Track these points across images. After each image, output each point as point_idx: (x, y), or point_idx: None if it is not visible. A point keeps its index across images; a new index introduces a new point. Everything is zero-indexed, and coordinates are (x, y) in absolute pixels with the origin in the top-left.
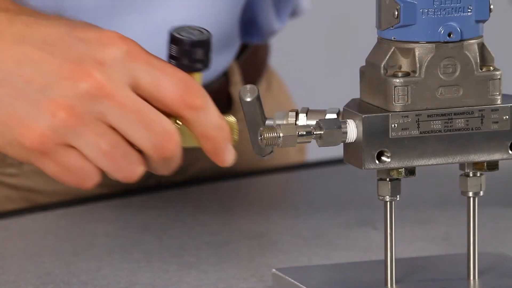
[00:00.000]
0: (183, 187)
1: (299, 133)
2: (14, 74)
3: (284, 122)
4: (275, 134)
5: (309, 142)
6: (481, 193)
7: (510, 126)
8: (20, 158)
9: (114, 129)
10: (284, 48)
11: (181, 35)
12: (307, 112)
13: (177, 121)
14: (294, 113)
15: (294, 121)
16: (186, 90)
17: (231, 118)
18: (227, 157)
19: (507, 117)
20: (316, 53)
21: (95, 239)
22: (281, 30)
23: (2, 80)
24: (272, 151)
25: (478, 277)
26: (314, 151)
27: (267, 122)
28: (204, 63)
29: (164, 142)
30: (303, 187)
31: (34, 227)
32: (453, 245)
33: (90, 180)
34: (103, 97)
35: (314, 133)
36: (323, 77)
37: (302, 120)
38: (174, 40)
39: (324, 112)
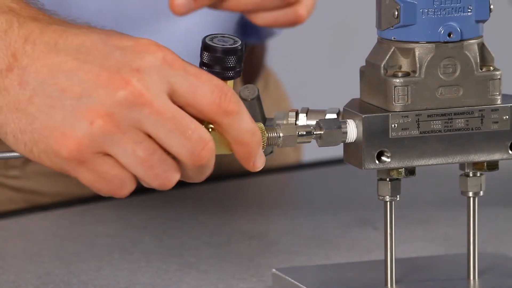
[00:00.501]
0: (183, 187)
1: (299, 133)
2: (48, 83)
3: (284, 122)
4: (275, 134)
5: (309, 142)
6: (481, 193)
7: (510, 126)
8: (55, 167)
9: (150, 136)
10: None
11: (214, 43)
12: (307, 112)
13: (209, 128)
14: (294, 113)
15: (294, 121)
16: (221, 96)
17: (259, 124)
18: (258, 163)
19: (507, 117)
20: (316, 53)
21: (95, 239)
22: (280, 32)
23: (36, 89)
24: (272, 151)
25: (478, 277)
26: (314, 151)
27: (267, 122)
28: (236, 70)
29: (200, 149)
30: (303, 187)
31: (34, 227)
32: (453, 245)
33: (125, 188)
34: (141, 105)
35: (314, 133)
36: (323, 77)
37: (302, 120)
38: (206, 47)
39: (324, 112)
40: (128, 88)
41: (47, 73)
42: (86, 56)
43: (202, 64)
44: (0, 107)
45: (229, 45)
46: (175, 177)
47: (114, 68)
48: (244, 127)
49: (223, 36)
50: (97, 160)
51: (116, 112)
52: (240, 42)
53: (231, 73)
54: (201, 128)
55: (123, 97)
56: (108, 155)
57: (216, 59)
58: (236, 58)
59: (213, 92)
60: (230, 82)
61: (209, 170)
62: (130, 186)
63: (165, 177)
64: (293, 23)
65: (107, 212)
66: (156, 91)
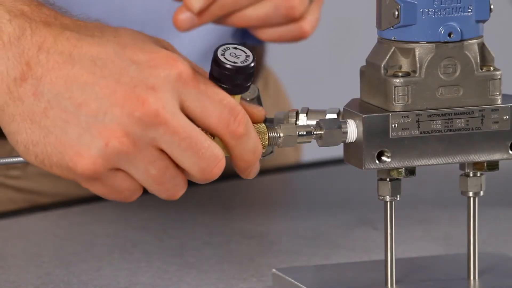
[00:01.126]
0: None
1: (299, 133)
2: (64, 97)
3: (284, 122)
4: (275, 134)
5: (309, 142)
6: (481, 193)
7: (510, 126)
8: (67, 178)
9: (164, 152)
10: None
11: (225, 58)
12: (307, 112)
13: None
14: (294, 113)
15: (294, 121)
16: (230, 117)
17: (262, 126)
18: (254, 173)
19: (507, 117)
20: (316, 53)
21: (95, 239)
22: None
23: (51, 102)
24: (272, 151)
25: (478, 277)
26: (314, 151)
27: (267, 122)
28: (244, 87)
29: (211, 167)
30: (303, 187)
31: (34, 227)
32: (453, 245)
33: (134, 196)
34: (157, 125)
35: (314, 133)
36: (323, 77)
37: (302, 120)
38: (217, 62)
39: (324, 112)
40: (144, 109)
41: (63, 86)
42: (102, 70)
43: (211, 76)
44: (13, 115)
45: (240, 61)
46: (183, 190)
47: (129, 85)
48: (249, 148)
49: (236, 48)
50: (110, 176)
51: (132, 132)
52: (251, 58)
53: (238, 90)
54: (215, 146)
55: (139, 118)
56: (121, 170)
57: (225, 76)
58: (246, 76)
59: (223, 113)
60: (238, 97)
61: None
62: (139, 194)
63: (174, 190)
64: (298, 38)
65: (107, 212)
66: (172, 110)
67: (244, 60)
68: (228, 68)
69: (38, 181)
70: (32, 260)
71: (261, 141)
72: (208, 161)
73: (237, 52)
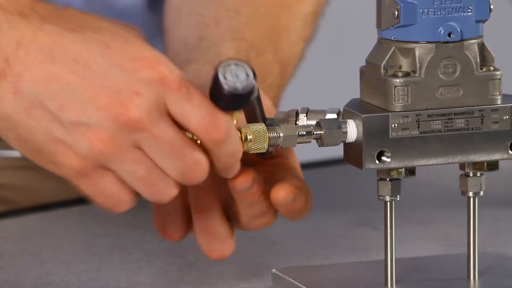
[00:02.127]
0: None
1: (299, 133)
2: (45, 96)
3: (284, 122)
4: (275, 134)
5: (309, 142)
6: (481, 193)
7: (510, 126)
8: (59, 174)
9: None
10: None
11: (224, 78)
12: (307, 112)
13: None
14: (294, 113)
15: (294, 121)
16: (210, 123)
17: (261, 126)
18: (232, 174)
19: (507, 117)
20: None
21: (95, 239)
22: None
23: (33, 101)
24: (272, 151)
25: (478, 277)
26: (314, 151)
27: (267, 122)
28: (243, 105)
29: (193, 171)
30: None
31: (34, 227)
32: (453, 245)
33: (123, 205)
34: (140, 130)
35: (314, 133)
36: (323, 77)
37: (302, 120)
38: (216, 82)
39: (324, 112)
40: (128, 115)
41: (44, 84)
42: (84, 71)
43: (211, 94)
44: None
45: (240, 82)
46: (174, 192)
47: (113, 89)
48: (228, 152)
49: (237, 65)
50: (99, 174)
51: (117, 135)
52: (251, 77)
53: (237, 108)
54: (196, 151)
55: (123, 123)
56: (110, 170)
57: (224, 96)
58: (243, 99)
59: (203, 118)
60: (236, 113)
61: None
62: (129, 204)
63: (164, 192)
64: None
65: (107, 212)
66: (155, 115)
67: (245, 79)
68: (227, 90)
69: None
70: (32, 260)
71: (262, 141)
72: (189, 165)
73: (238, 70)
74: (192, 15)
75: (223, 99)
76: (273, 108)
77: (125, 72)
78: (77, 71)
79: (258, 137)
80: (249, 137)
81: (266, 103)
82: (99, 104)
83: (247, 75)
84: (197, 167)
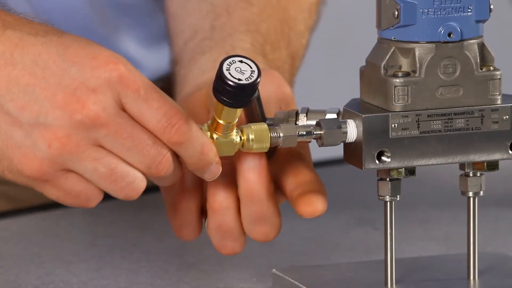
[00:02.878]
0: None
1: (299, 133)
2: (6, 99)
3: (284, 122)
4: (276, 134)
5: (309, 142)
6: (481, 193)
7: (510, 126)
8: (20, 183)
9: (110, 151)
10: None
11: (229, 73)
12: (307, 112)
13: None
14: (294, 113)
15: (294, 121)
16: (167, 126)
17: (263, 126)
18: (208, 176)
19: (507, 117)
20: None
21: (95, 239)
22: None
23: None
24: (275, 152)
25: (478, 277)
26: (314, 151)
27: (267, 122)
28: (247, 103)
29: (157, 163)
30: None
31: (34, 227)
32: (453, 245)
33: (92, 201)
34: (98, 127)
35: (314, 133)
36: (323, 77)
37: (302, 120)
38: (221, 77)
39: (324, 112)
40: (84, 112)
41: (4, 87)
42: (43, 71)
43: (214, 88)
44: None
45: (245, 78)
46: (140, 187)
47: (70, 88)
48: (189, 154)
49: (242, 61)
50: (61, 177)
51: (74, 133)
52: (256, 74)
53: (241, 105)
54: (157, 143)
55: (80, 120)
56: (71, 171)
57: (229, 92)
58: (249, 93)
59: (160, 121)
60: (239, 110)
61: (172, 178)
62: (98, 198)
63: (130, 188)
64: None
65: (107, 212)
66: (112, 111)
67: (249, 77)
68: (232, 86)
69: None
70: (32, 260)
71: (264, 140)
72: (152, 158)
73: (243, 66)
74: (201, 2)
75: (227, 95)
76: (293, 97)
77: (83, 71)
78: (36, 72)
79: (260, 137)
80: (251, 137)
81: (288, 91)
82: (56, 103)
83: (252, 71)
84: (161, 158)
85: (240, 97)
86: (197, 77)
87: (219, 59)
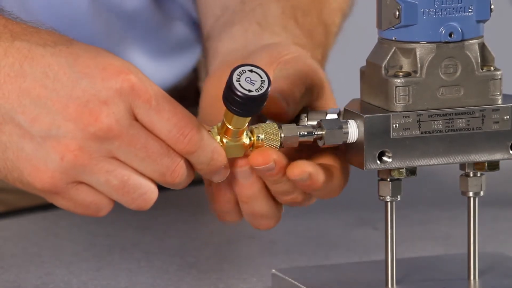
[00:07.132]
0: None
1: (301, 134)
2: (17, 111)
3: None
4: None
5: (311, 142)
6: (482, 193)
7: (511, 126)
8: (31, 192)
9: (123, 162)
10: None
11: (240, 84)
12: (308, 112)
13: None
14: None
15: (295, 122)
16: (179, 136)
17: (272, 125)
18: (217, 178)
19: (508, 117)
20: None
21: (95, 239)
22: None
23: (5, 117)
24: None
25: (478, 277)
26: None
27: (267, 122)
28: (256, 112)
29: (171, 171)
30: None
31: (34, 227)
32: (453, 245)
33: (102, 211)
34: (111, 139)
35: (316, 133)
36: None
37: (303, 120)
38: (231, 87)
39: (325, 112)
40: (97, 125)
41: (15, 100)
42: (54, 83)
43: (224, 97)
44: None
45: (255, 89)
46: (152, 198)
47: (81, 100)
48: (201, 161)
49: (252, 71)
50: (72, 189)
51: (87, 146)
52: (266, 84)
53: (250, 115)
54: (171, 151)
55: (93, 133)
56: (82, 182)
57: (238, 103)
58: (259, 103)
59: (171, 131)
60: (248, 118)
61: (187, 181)
62: (108, 208)
63: (142, 200)
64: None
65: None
66: (125, 123)
67: (259, 88)
68: (241, 97)
69: None
70: (32, 260)
71: (273, 140)
72: (166, 167)
73: (253, 76)
74: None
75: (236, 104)
76: (327, 82)
77: (94, 82)
78: (47, 84)
79: (270, 136)
80: (261, 136)
81: (321, 76)
82: (68, 115)
83: (263, 81)
84: (175, 167)
85: (250, 108)
86: (229, 46)
87: (250, 28)
